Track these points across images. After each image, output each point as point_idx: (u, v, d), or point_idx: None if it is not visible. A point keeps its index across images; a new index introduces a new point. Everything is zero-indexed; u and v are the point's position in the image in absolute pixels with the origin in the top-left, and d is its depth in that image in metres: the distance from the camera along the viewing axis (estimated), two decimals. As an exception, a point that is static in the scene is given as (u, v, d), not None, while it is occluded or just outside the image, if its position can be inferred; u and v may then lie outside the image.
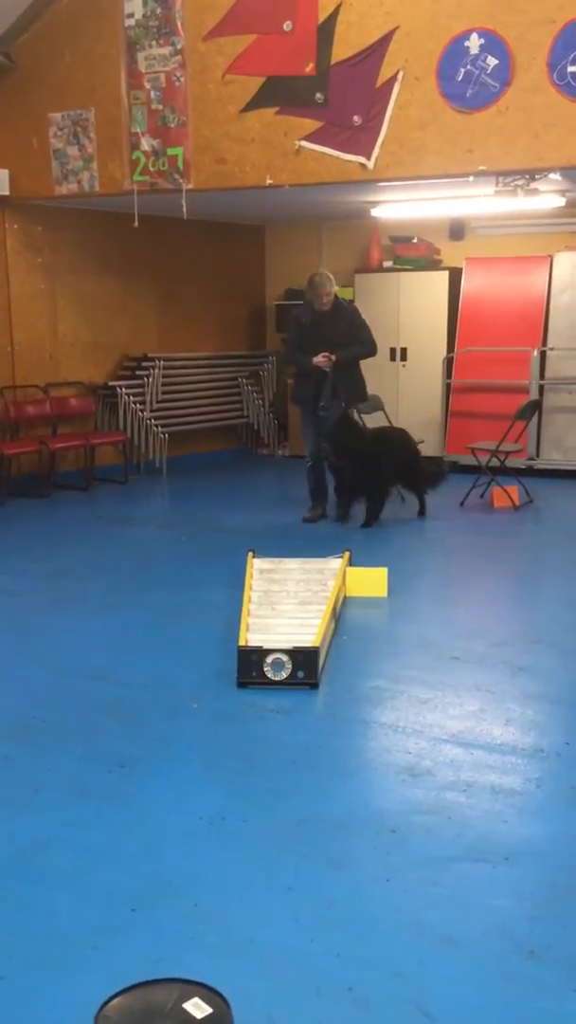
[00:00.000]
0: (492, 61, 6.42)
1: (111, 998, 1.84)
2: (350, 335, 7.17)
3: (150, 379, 9.51)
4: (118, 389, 9.32)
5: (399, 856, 2.89)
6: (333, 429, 7.12)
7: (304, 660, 4.18)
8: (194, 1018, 1.80)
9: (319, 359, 7.02)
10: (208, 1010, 1.82)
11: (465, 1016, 2.24)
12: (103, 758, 3.53)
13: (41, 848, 2.94)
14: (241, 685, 4.17)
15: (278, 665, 4.18)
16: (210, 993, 1.86)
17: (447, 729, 3.79)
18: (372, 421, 8.51)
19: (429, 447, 9.29)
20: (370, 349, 7.39)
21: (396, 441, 7.54)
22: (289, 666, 4.18)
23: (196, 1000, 1.84)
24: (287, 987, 2.33)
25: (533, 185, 7.11)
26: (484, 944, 2.49)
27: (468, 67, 6.49)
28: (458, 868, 2.83)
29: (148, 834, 3.03)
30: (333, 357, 7.03)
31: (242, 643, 4.29)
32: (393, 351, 9.91)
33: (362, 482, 7.22)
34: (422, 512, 7.56)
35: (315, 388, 7.11)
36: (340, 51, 6.84)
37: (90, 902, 2.68)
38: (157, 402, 9.60)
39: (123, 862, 2.87)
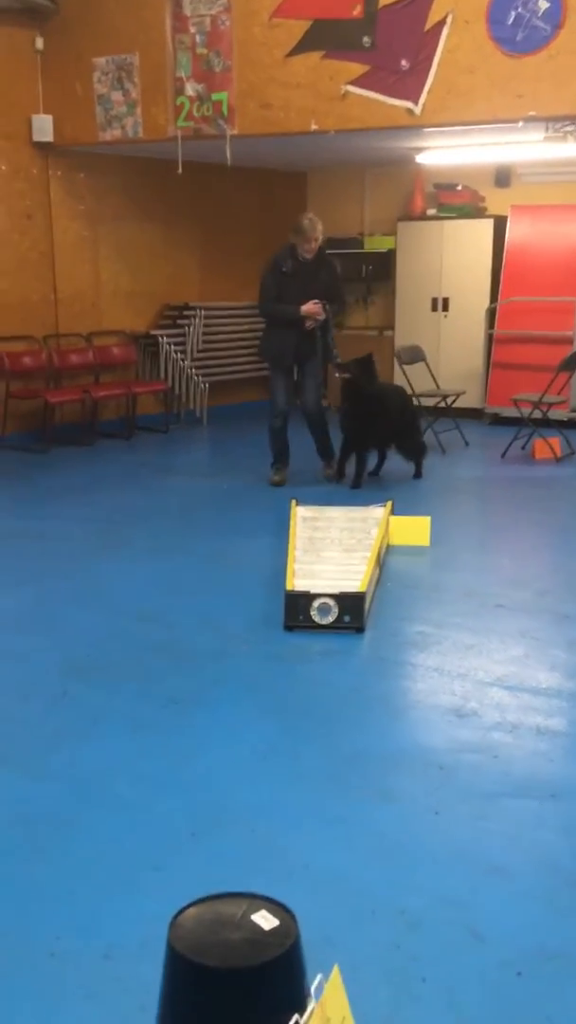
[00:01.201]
0: (543, 4, 6.29)
1: (183, 909, 1.94)
2: (331, 288, 6.80)
3: (191, 328, 9.54)
4: (159, 338, 9.36)
5: (447, 791, 2.98)
6: (354, 367, 6.72)
7: (350, 604, 4.26)
8: (262, 929, 1.89)
9: (312, 307, 6.56)
10: (275, 922, 1.91)
11: (514, 939, 2.33)
12: (157, 695, 3.64)
13: (102, 777, 3.06)
14: (288, 628, 4.26)
15: (325, 609, 4.26)
16: (276, 907, 1.95)
17: (492, 673, 3.85)
18: (412, 372, 8.50)
19: (471, 398, 9.28)
20: (343, 307, 7.36)
21: (397, 399, 7.17)
22: (336, 610, 4.25)
23: (264, 912, 1.93)
24: (342, 909, 2.43)
25: (583, 131, 6.99)
26: (531, 874, 2.58)
27: (519, 10, 6.37)
28: (505, 803, 2.91)
29: (203, 766, 3.14)
30: (324, 305, 6.61)
31: (289, 587, 4.37)
32: (435, 301, 9.85)
33: (366, 436, 6.84)
34: (418, 474, 7.17)
35: (296, 341, 6.68)
36: (389, -7, 6.73)
37: (151, 827, 2.79)
38: (198, 351, 9.63)
39: (180, 791, 2.98)
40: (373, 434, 6.89)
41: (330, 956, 2.03)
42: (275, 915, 1.93)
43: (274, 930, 1.89)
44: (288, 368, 6.81)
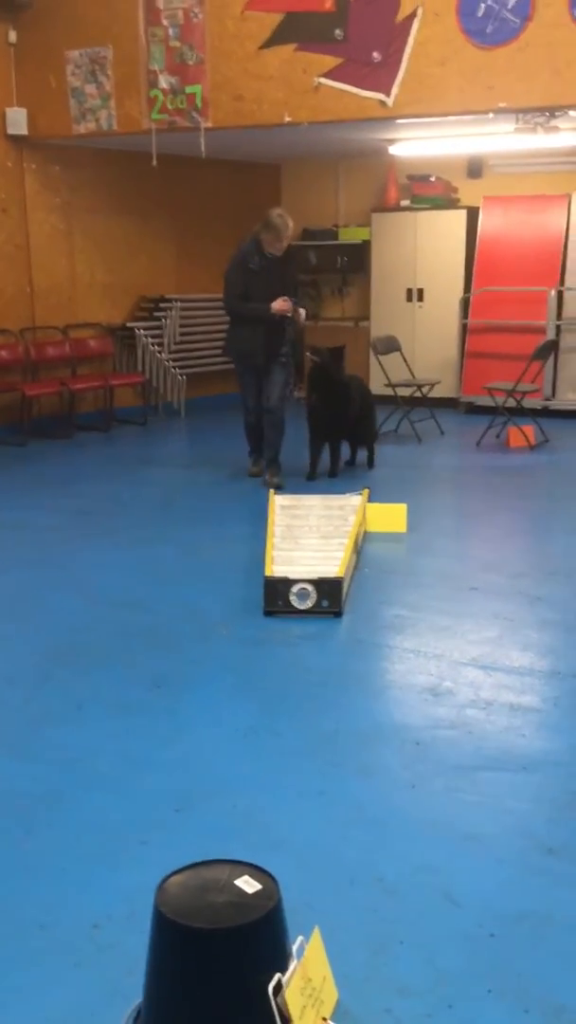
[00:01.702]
0: (513, -4, 6.38)
1: (169, 875, 2.02)
2: (294, 279, 6.79)
3: (168, 320, 9.58)
4: (136, 330, 9.40)
5: (423, 765, 3.07)
6: (327, 355, 6.74)
7: (329, 589, 4.34)
8: (246, 892, 1.97)
9: (283, 305, 6.38)
10: (257, 886, 1.99)
11: (488, 903, 2.42)
12: (140, 678, 3.71)
13: (88, 756, 3.13)
14: (267, 614, 4.34)
15: (303, 594, 4.34)
16: (258, 871, 2.04)
17: (467, 653, 3.95)
18: (388, 362, 8.59)
19: (446, 387, 9.39)
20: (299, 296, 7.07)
21: (360, 388, 7.20)
22: (314, 595, 4.34)
23: (246, 877, 2.01)
24: (322, 877, 2.52)
25: (553, 123, 7.10)
26: (505, 842, 2.67)
27: (488, 3, 6.46)
28: (479, 776, 3.01)
29: (186, 745, 3.21)
30: (293, 301, 6.48)
31: (268, 573, 4.45)
32: (410, 291, 9.95)
33: (336, 427, 6.85)
34: (371, 463, 7.23)
35: (264, 339, 6.46)
36: (360, -14, 6.79)
37: (136, 803, 2.87)
38: (175, 343, 9.68)
39: (164, 769, 3.06)
40: (343, 423, 6.89)
41: (311, 921, 2.12)
42: (257, 879, 2.01)
43: (257, 893, 1.98)
44: (256, 368, 6.61)
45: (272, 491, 5.87)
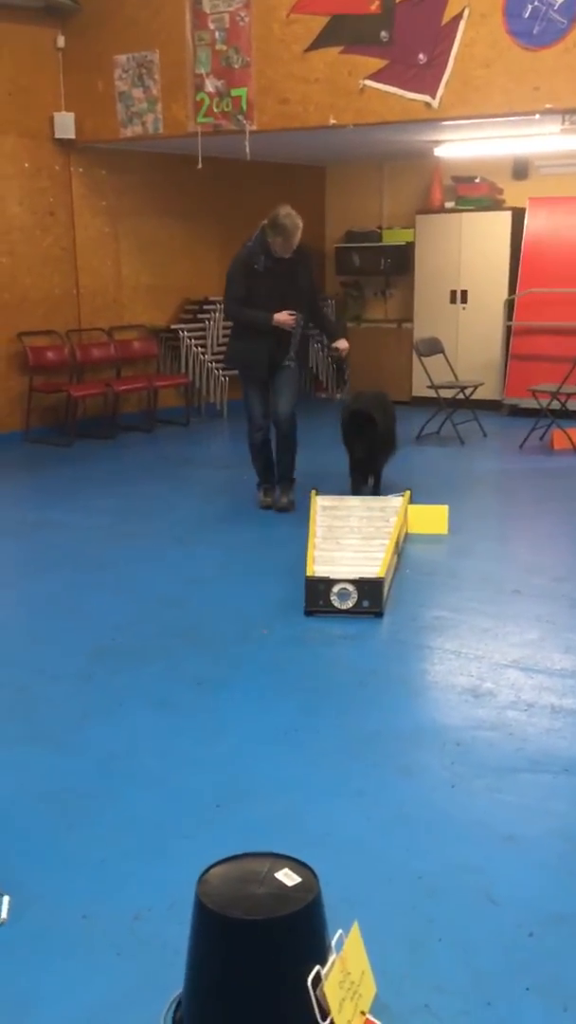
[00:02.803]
0: (560, -4, 6.34)
1: (210, 867, 2.05)
2: (311, 292, 6.07)
3: (211, 322, 9.64)
4: (180, 332, 9.47)
5: (464, 766, 3.07)
6: (369, 407, 6.05)
7: (370, 590, 4.35)
8: (285, 884, 1.99)
9: (286, 318, 5.75)
10: (297, 879, 2.01)
11: (527, 904, 2.42)
12: (181, 676, 3.75)
13: (130, 753, 3.17)
14: (308, 614, 4.36)
15: (344, 594, 4.35)
16: (298, 865, 2.06)
17: (508, 655, 3.94)
18: (431, 364, 8.57)
19: (489, 390, 9.34)
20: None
21: (387, 404, 6.47)
22: (355, 595, 4.35)
23: (286, 870, 2.03)
24: (361, 875, 2.53)
25: (600, 123, 7.04)
26: (545, 844, 2.67)
27: (535, 3, 6.43)
28: (520, 777, 3.00)
29: (227, 743, 3.24)
30: (299, 317, 5.81)
31: (309, 573, 4.46)
32: (453, 293, 9.91)
33: (377, 447, 6.14)
34: (377, 488, 6.30)
35: (269, 349, 5.86)
36: (406, -12, 6.80)
37: (178, 799, 2.90)
38: (218, 345, 9.73)
39: (205, 766, 3.09)
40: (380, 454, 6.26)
41: (350, 916, 2.13)
42: (297, 872, 2.03)
43: (297, 886, 2.00)
44: (262, 379, 5.99)
45: (314, 492, 5.81)
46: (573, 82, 6.39)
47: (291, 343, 5.88)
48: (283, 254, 5.71)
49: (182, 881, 2.40)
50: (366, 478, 6.28)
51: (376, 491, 6.19)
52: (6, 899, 2.43)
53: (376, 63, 7.04)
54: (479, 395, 8.83)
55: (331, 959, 1.97)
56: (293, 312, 5.77)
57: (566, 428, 7.92)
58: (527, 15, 6.47)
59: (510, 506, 6.83)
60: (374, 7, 6.97)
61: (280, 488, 6.17)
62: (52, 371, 8.64)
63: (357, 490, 6.18)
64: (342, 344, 6.26)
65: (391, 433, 6.36)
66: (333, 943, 2.01)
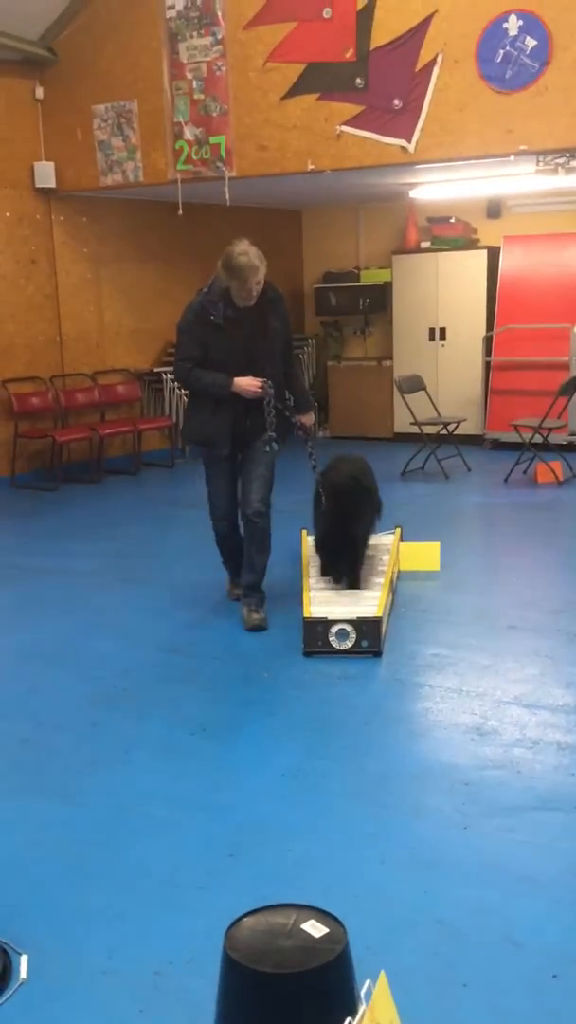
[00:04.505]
0: (531, 42, 6.51)
1: (237, 920, 2.03)
2: (284, 340, 4.79)
3: (194, 364, 9.67)
4: (163, 375, 9.51)
5: (474, 806, 3.07)
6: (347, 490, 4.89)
7: (368, 629, 4.36)
8: (312, 936, 1.99)
9: (252, 386, 4.55)
10: (324, 930, 2.01)
11: (549, 944, 2.41)
12: (186, 722, 3.74)
13: (139, 802, 3.15)
14: (307, 655, 4.36)
15: (343, 635, 4.36)
16: (324, 915, 2.05)
17: (509, 692, 3.95)
18: (413, 401, 8.65)
19: (470, 425, 9.43)
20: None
21: (372, 489, 5.22)
22: (353, 635, 4.36)
23: (313, 921, 2.03)
24: (381, 921, 2.52)
25: (574, 163, 7.19)
26: (562, 882, 2.67)
27: (507, 48, 6.59)
28: (531, 816, 3.01)
29: (235, 789, 3.23)
30: (268, 384, 4.58)
31: (307, 615, 4.47)
32: (432, 331, 10.03)
33: (352, 528, 4.95)
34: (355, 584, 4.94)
35: (232, 420, 4.66)
36: (379, 36, 6.95)
37: (190, 849, 2.88)
38: (201, 387, 9.76)
39: (215, 814, 3.07)
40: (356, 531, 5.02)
41: (374, 965, 2.12)
42: (324, 923, 2.03)
43: (324, 937, 1.99)
44: (226, 457, 4.76)
45: (304, 531, 5.79)
46: (546, 124, 6.54)
47: (266, 414, 4.61)
48: (244, 303, 4.48)
49: (201, 933, 2.40)
50: (337, 560, 4.97)
51: (355, 585, 4.90)
52: (24, 958, 2.40)
53: (352, 109, 7.18)
54: (461, 430, 8.91)
55: (361, 1010, 1.96)
56: (261, 380, 4.56)
57: (549, 461, 8.00)
58: (499, 60, 6.62)
59: (499, 540, 6.87)
60: (348, 55, 7.11)
61: (247, 601, 4.83)
62: (37, 417, 8.65)
63: (335, 569, 4.96)
64: (308, 419, 4.95)
65: (373, 519, 5.24)
66: (362, 993, 2.00)
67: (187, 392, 5.13)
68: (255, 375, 4.57)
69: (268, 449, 4.69)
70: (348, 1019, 1.93)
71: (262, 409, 4.62)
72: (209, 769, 3.37)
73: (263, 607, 4.86)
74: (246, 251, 4.42)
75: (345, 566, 4.95)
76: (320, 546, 5.02)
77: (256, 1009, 1.92)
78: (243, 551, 4.93)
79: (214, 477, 4.88)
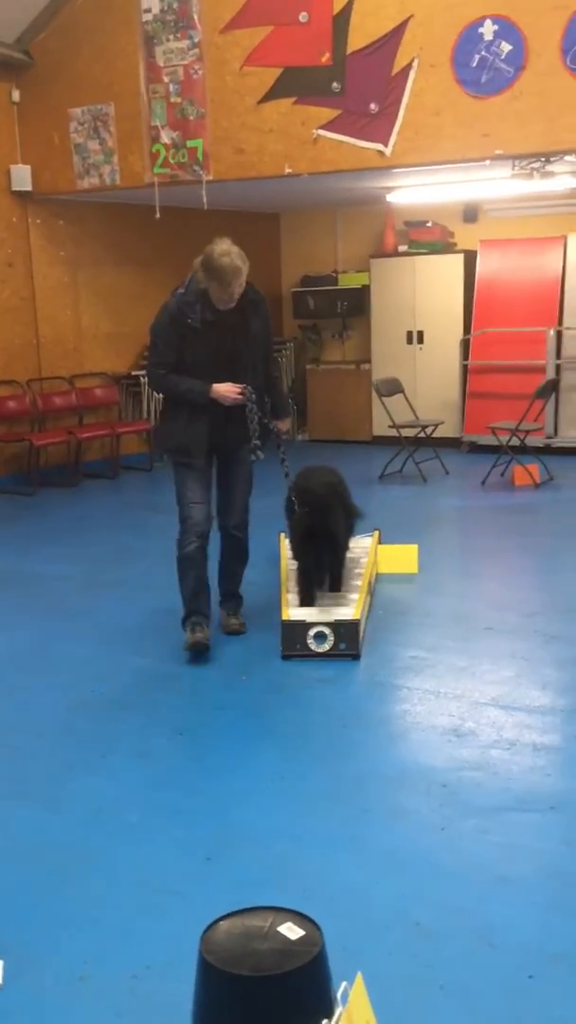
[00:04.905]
0: (506, 47, 6.56)
1: (213, 923, 2.03)
2: (265, 343, 4.57)
3: (172, 368, 9.66)
4: (141, 379, 9.49)
5: (452, 807, 3.08)
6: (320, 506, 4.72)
7: (346, 632, 4.37)
8: (289, 939, 1.99)
9: (231, 393, 4.30)
10: (301, 932, 2.01)
11: (525, 945, 2.42)
12: (163, 726, 3.73)
13: (116, 806, 3.14)
14: (285, 658, 4.36)
15: (321, 637, 4.37)
16: (301, 918, 2.05)
17: (486, 693, 3.97)
18: (391, 404, 8.68)
19: (448, 427, 9.47)
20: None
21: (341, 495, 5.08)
22: (332, 638, 4.37)
23: (289, 924, 2.03)
24: (358, 923, 2.52)
25: (549, 168, 7.24)
26: (537, 883, 2.68)
27: (482, 53, 6.63)
28: (508, 817, 3.02)
29: (212, 792, 3.23)
30: (248, 390, 4.34)
31: (285, 618, 4.47)
32: (410, 334, 10.06)
33: (326, 537, 4.80)
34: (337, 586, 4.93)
35: (208, 427, 4.38)
36: (356, 40, 6.98)
37: (167, 853, 2.88)
38: (179, 390, 9.75)
39: (192, 817, 3.07)
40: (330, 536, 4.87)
41: (350, 966, 2.12)
42: (300, 926, 2.03)
43: (300, 939, 1.99)
44: (202, 467, 4.47)
45: (282, 535, 5.76)
46: (521, 129, 6.58)
47: (249, 421, 4.38)
48: (224, 305, 4.24)
49: (178, 936, 2.40)
50: (319, 582, 4.87)
51: (337, 588, 4.89)
52: (0, 963, 2.39)
53: (329, 113, 7.20)
54: (439, 433, 8.95)
55: (337, 1011, 1.96)
56: (241, 385, 4.32)
57: (526, 464, 8.04)
58: (475, 64, 6.67)
59: (477, 542, 6.90)
60: (324, 59, 7.14)
61: (227, 608, 4.81)
62: (13, 421, 8.61)
63: (308, 600, 4.72)
64: (285, 424, 4.81)
65: (349, 528, 5.11)
66: (338, 995, 2.00)
67: (162, 396, 4.86)
68: (235, 380, 4.33)
69: (254, 458, 4.49)
70: (324, 1021, 1.93)
71: (242, 416, 4.37)
72: (186, 773, 3.36)
73: (239, 611, 4.84)
74: (228, 251, 4.16)
75: (316, 579, 4.82)
76: (295, 555, 4.92)
77: (232, 1012, 1.92)
78: (222, 568, 4.78)
79: (188, 488, 4.48)
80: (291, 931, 2.01)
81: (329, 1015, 1.94)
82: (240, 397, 4.32)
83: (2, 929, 2.53)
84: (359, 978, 2.07)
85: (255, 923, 2.03)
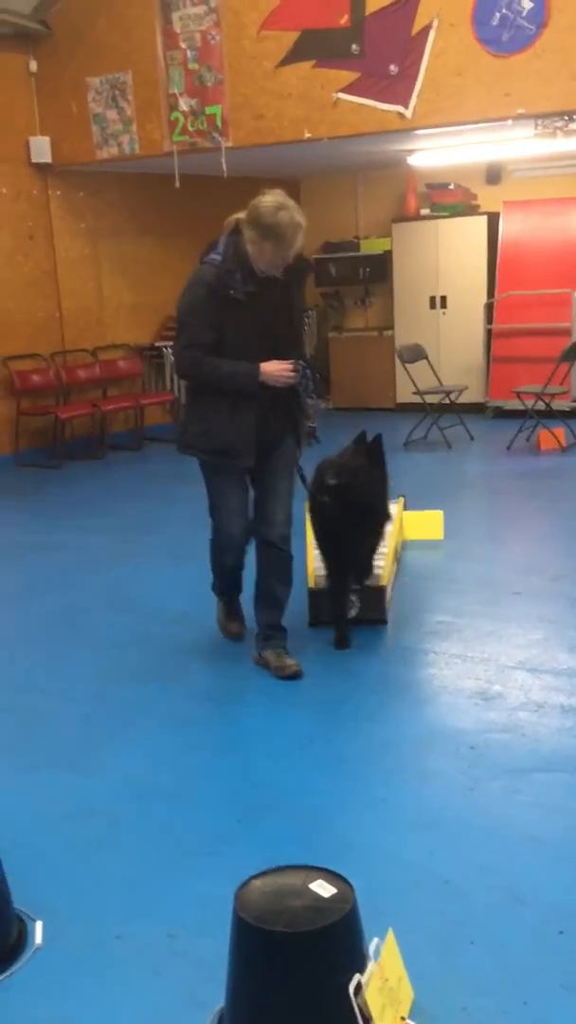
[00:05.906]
0: (527, 4, 6.45)
1: (246, 881, 2.07)
2: (301, 320, 4.01)
3: (194, 338, 9.65)
4: (164, 349, 9.50)
5: (480, 769, 3.11)
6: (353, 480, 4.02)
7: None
8: (321, 896, 2.02)
9: (279, 370, 3.62)
10: (333, 890, 2.04)
11: (554, 902, 2.45)
12: (193, 693, 3.78)
13: (148, 770, 3.20)
14: (312, 624, 4.39)
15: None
16: (332, 876, 2.09)
17: (514, 657, 3.98)
18: (414, 370, 8.63)
19: (472, 393, 9.41)
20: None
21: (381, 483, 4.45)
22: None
23: (321, 882, 2.06)
24: (388, 881, 2.56)
25: (572, 126, 7.13)
26: (567, 842, 2.71)
27: (503, 11, 6.52)
28: (536, 778, 3.04)
29: (243, 756, 3.27)
30: (300, 366, 3.70)
31: (311, 585, 4.49)
32: (433, 299, 9.99)
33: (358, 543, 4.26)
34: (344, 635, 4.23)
35: (253, 422, 3.69)
36: (374, 1, 6.88)
37: (199, 815, 2.93)
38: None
39: (223, 780, 3.12)
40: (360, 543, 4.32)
41: (381, 924, 2.16)
42: (332, 884, 2.06)
43: (333, 897, 2.03)
44: (242, 471, 3.86)
45: (307, 503, 5.68)
46: (543, 87, 6.48)
47: (293, 408, 3.79)
48: (274, 271, 3.61)
49: (212, 897, 2.45)
50: (350, 588, 4.31)
51: (359, 582, 4.40)
52: (39, 924, 2.45)
53: (348, 76, 7.12)
54: (463, 399, 8.90)
55: (369, 967, 2.00)
56: (292, 361, 3.66)
57: (552, 428, 7.99)
58: (495, 23, 6.56)
59: (502, 507, 6.88)
60: (343, 21, 7.04)
61: (269, 644, 3.93)
62: (38, 394, 8.65)
63: (342, 642, 4.15)
64: (279, 370, 3.69)
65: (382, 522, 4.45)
66: (371, 951, 2.04)
67: (188, 386, 4.11)
68: (278, 359, 3.65)
69: (309, 443, 3.88)
70: (357, 976, 1.97)
71: (285, 403, 3.73)
72: (217, 738, 3.41)
73: (285, 642, 3.96)
74: (284, 204, 3.52)
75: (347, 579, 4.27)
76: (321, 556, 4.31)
77: (267, 968, 1.96)
78: (261, 593, 3.97)
79: (226, 497, 3.88)
80: (323, 888, 2.04)
81: (361, 970, 1.98)
82: (292, 377, 3.67)
83: (41, 891, 2.59)
84: (390, 934, 2.11)
85: (288, 881, 2.07)
